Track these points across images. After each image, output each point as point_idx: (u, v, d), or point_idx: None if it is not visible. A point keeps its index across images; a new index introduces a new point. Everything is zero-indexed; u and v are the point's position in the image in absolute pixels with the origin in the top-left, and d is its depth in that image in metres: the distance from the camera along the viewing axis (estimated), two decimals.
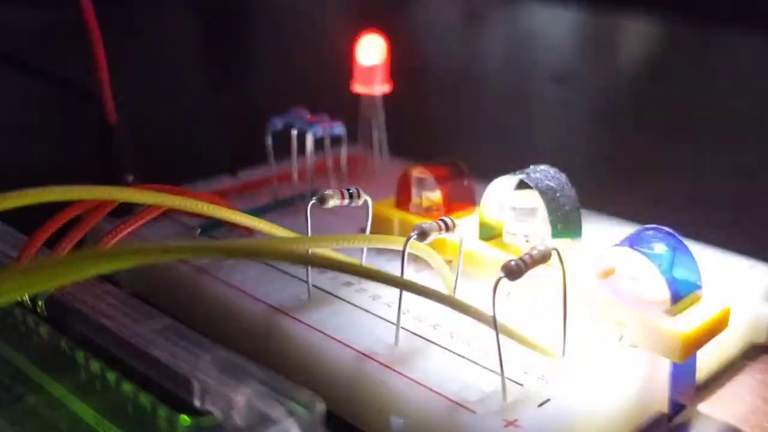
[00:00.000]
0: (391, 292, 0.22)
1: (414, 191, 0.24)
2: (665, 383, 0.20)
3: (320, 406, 0.14)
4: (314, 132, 0.27)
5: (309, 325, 0.20)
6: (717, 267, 0.23)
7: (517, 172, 0.22)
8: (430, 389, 0.18)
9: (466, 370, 0.19)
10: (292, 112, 0.28)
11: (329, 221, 0.25)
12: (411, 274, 0.23)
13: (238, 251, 0.16)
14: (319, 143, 0.28)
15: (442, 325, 0.20)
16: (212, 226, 0.25)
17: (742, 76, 0.54)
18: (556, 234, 0.21)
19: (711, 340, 0.20)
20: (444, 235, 0.20)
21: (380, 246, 0.21)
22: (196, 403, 0.15)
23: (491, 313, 0.17)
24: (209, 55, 0.62)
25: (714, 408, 0.21)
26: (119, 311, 0.17)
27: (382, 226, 0.24)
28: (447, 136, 0.42)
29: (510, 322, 0.18)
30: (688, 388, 0.20)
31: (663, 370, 0.20)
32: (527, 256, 0.17)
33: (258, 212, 0.26)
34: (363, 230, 0.22)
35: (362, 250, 0.22)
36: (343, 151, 0.29)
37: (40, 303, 0.18)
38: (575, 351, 0.19)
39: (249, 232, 0.24)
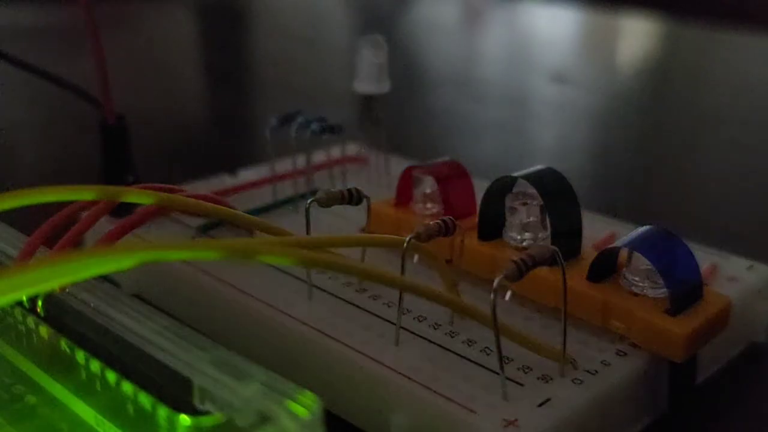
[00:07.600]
0: (391, 292, 0.22)
1: (414, 191, 0.24)
2: (665, 383, 0.20)
3: (320, 406, 0.14)
4: (314, 131, 0.27)
5: (309, 325, 0.20)
6: (717, 267, 0.23)
7: (517, 172, 0.22)
8: (430, 389, 0.18)
9: (467, 370, 0.19)
10: (292, 112, 0.28)
11: (329, 221, 0.25)
12: (411, 274, 0.23)
13: (238, 251, 0.16)
14: (319, 142, 0.28)
15: (442, 325, 0.20)
16: (212, 226, 0.25)
17: (743, 75, 0.54)
18: (556, 234, 0.21)
19: (711, 340, 0.20)
20: (444, 235, 0.20)
21: (380, 246, 0.21)
22: (196, 403, 0.15)
23: (491, 313, 0.17)
24: (209, 55, 0.62)
25: (714, 408, 0.21)
26: (119, 311, 0.17)
27: (382, 226, 0.24)
28: (447, 136, 0.42)
29: (510, 322, 0.18)
30: (688, 388, 0.20)
31: (663, 370, 0.20)
32: (527, 256, 0.17)
33: (258, 212, 0.27)
34: (363, 230, 0.22)
35: (362, 250, 0.22)
36: (343, 151, 0.29)
37: (40, 303, 0.18)
38: (575, 351, 0.19)
39: (249, 232, 0.24)
